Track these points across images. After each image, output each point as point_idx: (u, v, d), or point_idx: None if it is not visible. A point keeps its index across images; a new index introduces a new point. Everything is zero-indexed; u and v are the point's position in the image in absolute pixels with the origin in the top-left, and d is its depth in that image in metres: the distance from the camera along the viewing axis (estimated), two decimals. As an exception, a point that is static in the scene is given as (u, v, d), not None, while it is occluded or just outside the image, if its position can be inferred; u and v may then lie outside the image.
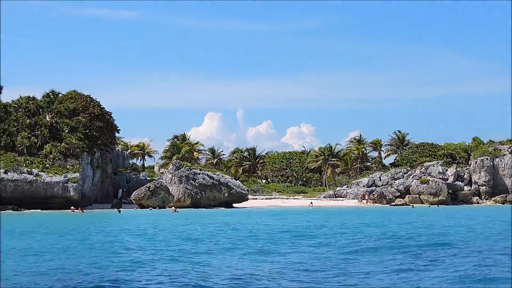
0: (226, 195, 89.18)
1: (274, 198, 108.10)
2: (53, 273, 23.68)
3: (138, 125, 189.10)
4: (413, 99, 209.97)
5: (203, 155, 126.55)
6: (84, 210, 74.61)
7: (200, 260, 27.38)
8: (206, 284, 21.80)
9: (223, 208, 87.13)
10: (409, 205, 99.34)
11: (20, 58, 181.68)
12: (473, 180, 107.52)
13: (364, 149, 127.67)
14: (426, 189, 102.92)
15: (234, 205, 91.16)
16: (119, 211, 75.70)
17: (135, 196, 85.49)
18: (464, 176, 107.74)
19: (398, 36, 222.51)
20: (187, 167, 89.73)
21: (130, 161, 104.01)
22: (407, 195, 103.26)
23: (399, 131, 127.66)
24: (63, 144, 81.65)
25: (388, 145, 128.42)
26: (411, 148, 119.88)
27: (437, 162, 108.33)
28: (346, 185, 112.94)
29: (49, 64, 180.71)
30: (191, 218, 60.76)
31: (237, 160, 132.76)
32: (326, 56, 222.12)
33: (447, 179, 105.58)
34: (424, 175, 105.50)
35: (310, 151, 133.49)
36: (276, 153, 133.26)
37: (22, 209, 75.89)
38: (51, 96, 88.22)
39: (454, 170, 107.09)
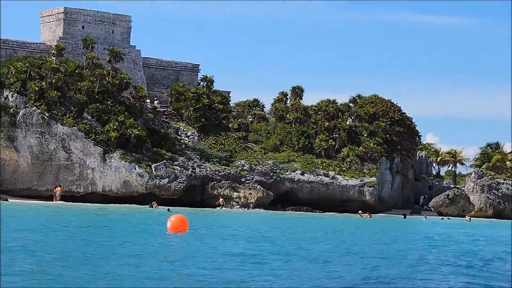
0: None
1: None
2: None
3: (449, 132, 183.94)
4: None
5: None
6: (371, 215, 74.18)
7: None
8: None
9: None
10: None
11: (324, 63, 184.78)
12: None
13: None
14: None
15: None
16: (404, 216, 74.51)
17: (433, 203, 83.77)
18: None
19: None
20: (490, 176, 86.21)
21: (438, 167, 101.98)
22: None
23: None
24: (360, 148, 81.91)
25: None
26: None
27: None
28: None
29: (351, 70, 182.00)
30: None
31: None
32: None
33: None
34: None
35: None
36: None
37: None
38: (357, 100, 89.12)
39: None
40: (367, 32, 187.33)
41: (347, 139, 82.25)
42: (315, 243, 32.88)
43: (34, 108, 71.19)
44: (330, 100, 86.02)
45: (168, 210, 59.32)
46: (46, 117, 71.01)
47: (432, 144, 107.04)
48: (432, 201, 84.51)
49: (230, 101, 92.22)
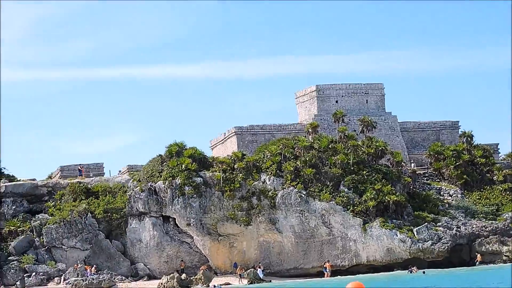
0: None
1: None
2: None
3: None
4: None
5: None
6: None
7: None
8: None
9: None
10: None
11: None
12: None
13: None
14: None
15: None
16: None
17: None
18: None
19: None
20: None
21: None
22: None
23: None
24: None
25: None
26: None
27: None
28: None
29: None
30: None
31: None
32: None
33: None
34: None
35: None
36: None
37: None
38: None
39: None
40: None
41: None
42: None
43: (291, 188, 72.45)
44: None
45: (423, 272, 57.70)
46: (303, 195, 71.96)
47: None
48: None
49: (499, 152, 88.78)
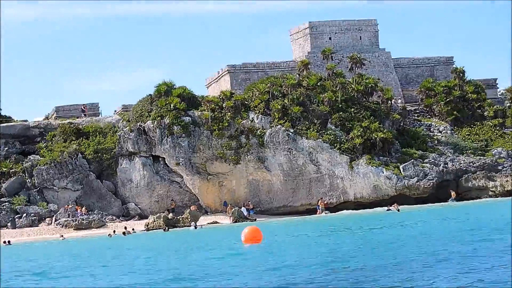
0: None
1: None
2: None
3: None
4: None
5: None
6: None
7: None
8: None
9: None
10: None
11: None
12: None
13: None
14: None
15: None
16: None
17: None
18: None
19: None
20: None
21: None
22: None
23: None
24: None
25: None
26: None
27: None
28: None
29: None
30: None
31: None
32: None
33: None
34: None
35: None
36: None
37: None
38: None
39: None
40: None
41: None
42: None
43: (279, 126, 72.44)
44: None
45: (398, 210, 57.87)
46: (291, 133, 71.99)
47: None
48: None
49: (498, 87, 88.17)
